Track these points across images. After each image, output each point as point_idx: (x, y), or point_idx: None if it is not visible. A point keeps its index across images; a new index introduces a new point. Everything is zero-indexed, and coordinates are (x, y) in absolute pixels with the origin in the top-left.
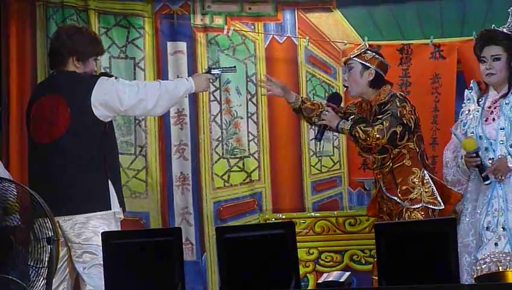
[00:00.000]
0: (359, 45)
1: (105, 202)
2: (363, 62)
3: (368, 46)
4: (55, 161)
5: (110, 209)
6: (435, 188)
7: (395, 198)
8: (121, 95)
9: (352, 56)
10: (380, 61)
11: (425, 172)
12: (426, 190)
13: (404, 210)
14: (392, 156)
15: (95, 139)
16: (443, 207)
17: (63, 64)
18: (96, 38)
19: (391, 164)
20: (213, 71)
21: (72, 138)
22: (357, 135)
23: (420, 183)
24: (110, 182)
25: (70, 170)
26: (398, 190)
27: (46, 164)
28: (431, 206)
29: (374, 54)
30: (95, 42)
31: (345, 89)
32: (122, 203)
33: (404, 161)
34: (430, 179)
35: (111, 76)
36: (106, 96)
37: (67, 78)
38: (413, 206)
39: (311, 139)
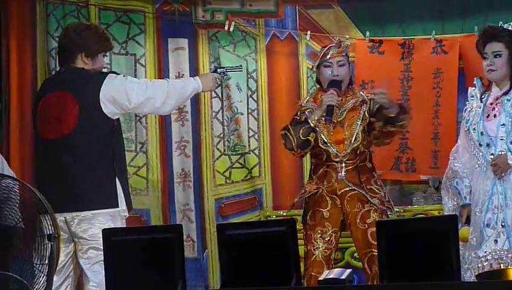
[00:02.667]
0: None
1: (112, 199)
2: (348, 60)
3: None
4: (62, 157)
5: (118, 207)
6: (388, 194)
7: (365, 193)
8: (129, 92)
9: (343, 53)
10: None
11: (379, 177)
12: (384, 194)
13: (371, 211)
14: (359, 152)
15: (103, 136)
16: (395, 215)
17: (71, 61)
18: (105, 35)
19: (358, 161)
20: (219, 70)
21: (80, 134)
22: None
23: (380, 186)
24: (117, 179)
25: (78, 167)
26: (365, 189)
27: (53, 160)
28: (388, 212)
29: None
30: (103, 39)
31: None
32: (128, 201)
33: (365, 162)
34: (382, 185)
35: (118, 74)
36: (115, 93)
37: (75, 74)
38: (381, 206)
39: None
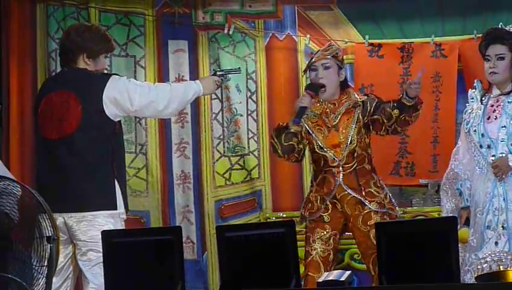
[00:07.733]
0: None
1: (112, 201)
2: (338, 63)
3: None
4: (64, 157)
5: (116, 209)
6: (390, 195)
7: (361, 198)
8: (131, 95)
9: (328, 55)
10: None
11: (380, 178)
12: (384, 196)
13: (372, 213)
14: (356, 155)
15: (105, 138)
16: (399, 214)
17: (73, 62)
18: (106, 36)
19: (355, 164)
20: (219, 73)
21: (82, 135)
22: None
23: (380, 188)
24: (116, 182)
25: (78, 167)
26: (363, 192)
27: (54, 160)
28: (391, 212)
29: (342, 56)
30: (105, 40)
31: (323, 89)
32: (125, 204)
33: (364, 165)
34: (384, 186)
35: (121, 76)
36: (117, 95)
37: (78, 74)
38: (380, 210)
39: None
